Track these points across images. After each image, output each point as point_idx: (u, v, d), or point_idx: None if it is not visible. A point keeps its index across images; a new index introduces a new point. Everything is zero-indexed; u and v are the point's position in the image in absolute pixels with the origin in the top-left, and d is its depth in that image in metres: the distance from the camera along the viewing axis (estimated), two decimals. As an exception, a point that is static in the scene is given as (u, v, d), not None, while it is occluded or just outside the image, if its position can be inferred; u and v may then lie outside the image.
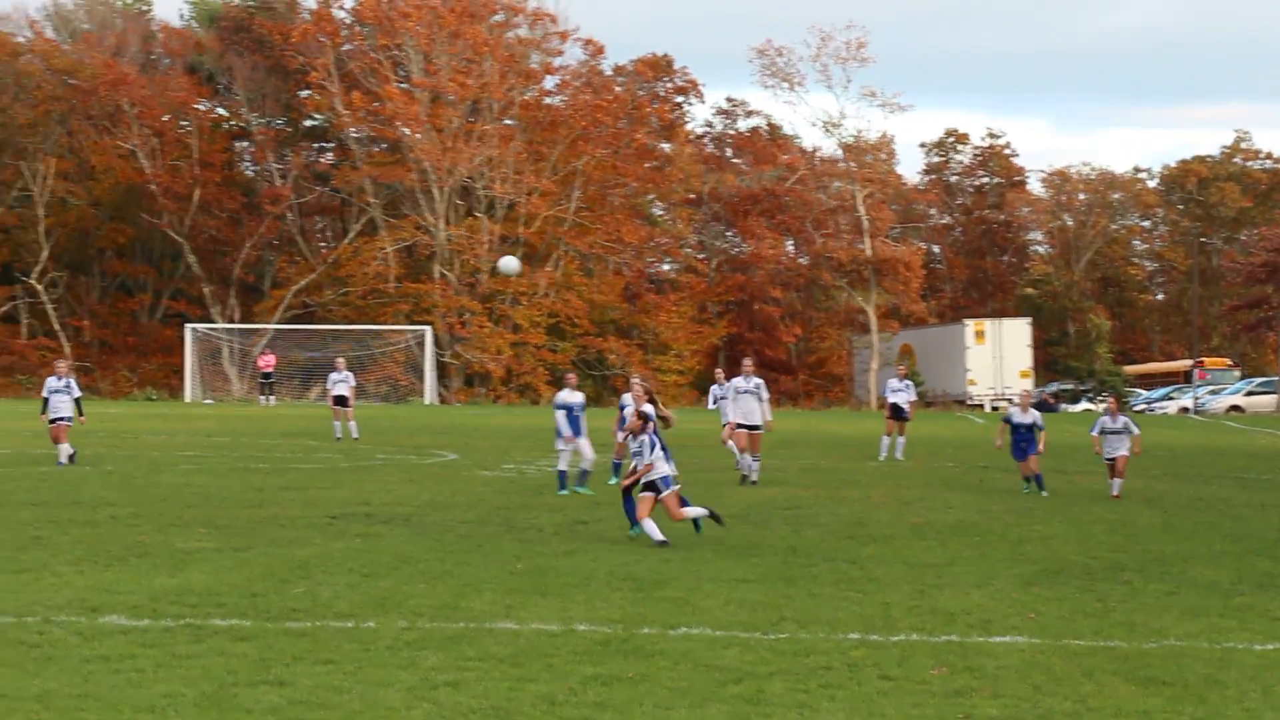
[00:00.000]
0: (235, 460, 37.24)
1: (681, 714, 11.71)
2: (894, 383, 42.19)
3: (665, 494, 21.71)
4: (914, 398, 42.28)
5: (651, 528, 21.44)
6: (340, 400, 46.16)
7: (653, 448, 21.87)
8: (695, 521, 22.10)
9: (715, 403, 37.11)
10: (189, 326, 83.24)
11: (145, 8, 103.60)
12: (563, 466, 28.92)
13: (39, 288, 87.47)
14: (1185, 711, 12.02)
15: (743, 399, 31.92)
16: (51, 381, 35.46)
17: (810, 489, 31.02)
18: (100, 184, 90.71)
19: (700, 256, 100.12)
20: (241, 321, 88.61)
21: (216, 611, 15.64)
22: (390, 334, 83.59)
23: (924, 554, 20.94)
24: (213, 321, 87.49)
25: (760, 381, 32.27)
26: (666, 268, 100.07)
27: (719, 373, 39.23)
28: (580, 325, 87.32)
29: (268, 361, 78.39)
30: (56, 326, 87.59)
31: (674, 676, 12.86)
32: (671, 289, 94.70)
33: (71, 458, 34.32)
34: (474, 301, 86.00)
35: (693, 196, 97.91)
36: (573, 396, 29.12)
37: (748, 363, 33.25)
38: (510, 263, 22.01)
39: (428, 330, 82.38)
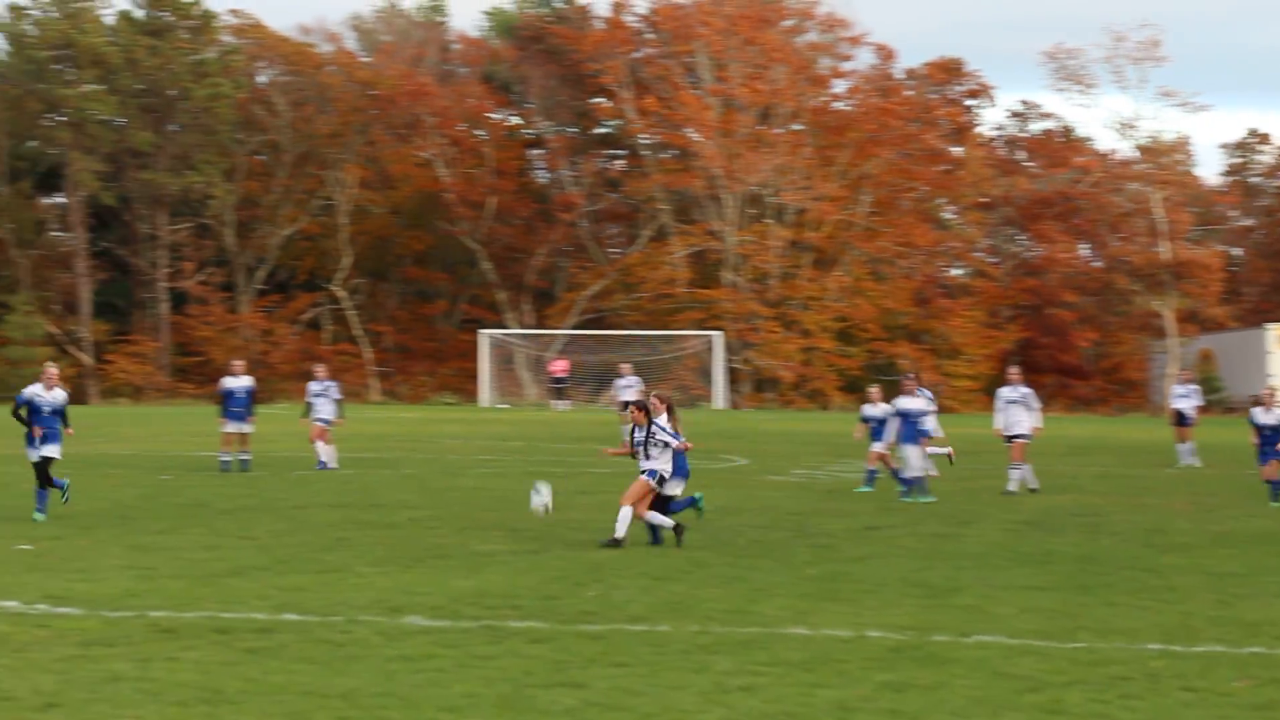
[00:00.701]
0: (529, 464, 37.79)
1: (977, 723, 11.63)
2: (1178, 389, 41.40)
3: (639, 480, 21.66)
4: (1200, 403, 41.34)
5: (624, 518, 21.46)
6: (627, 405, 46.64)
7: (657, 442, 21.68)
8: (654, 530, 21.81)
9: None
10: (483, 332, 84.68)
11: (442, 19, 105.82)
12: (909, 474, 28.63)
13: (341, 294, 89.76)
14: None
15: (1010, 409, 31.23)
16: (313, 385, 36.27)
17: (1105, 496, 30.47)
18: (399, 192, 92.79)
19: (992, 260, 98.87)
20: (534, 327, 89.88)
21: (513, 613, 15.90)
22: (681, 339, 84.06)
23: (1226, 563, 20.41)
24: (507, 327, 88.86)
25: (1029, 391, 31.48)
26: (957, 272, 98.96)
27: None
28: (870, 330, 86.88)
29: (560, 366, 79.37)
30: (357, 332, 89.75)
31: (968, 684, 12.75)
32: (963, 293, 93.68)
33: (325, 465, 35.04)
34: (764, 307, 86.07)
35: (984, 200, 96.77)
36: (912, 403, 28.95)
37: (1014, 371, 32.52)
38: (537, 501, 22.37)
39: (718, 335, 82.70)
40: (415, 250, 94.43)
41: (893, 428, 29.26)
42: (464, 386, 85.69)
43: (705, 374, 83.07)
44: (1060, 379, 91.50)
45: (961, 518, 25.70)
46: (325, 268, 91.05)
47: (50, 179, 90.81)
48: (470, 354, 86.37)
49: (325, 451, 35.41)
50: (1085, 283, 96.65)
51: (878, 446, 30.63)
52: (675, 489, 22.03)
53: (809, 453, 42.51)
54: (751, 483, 32.70)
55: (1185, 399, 40.38)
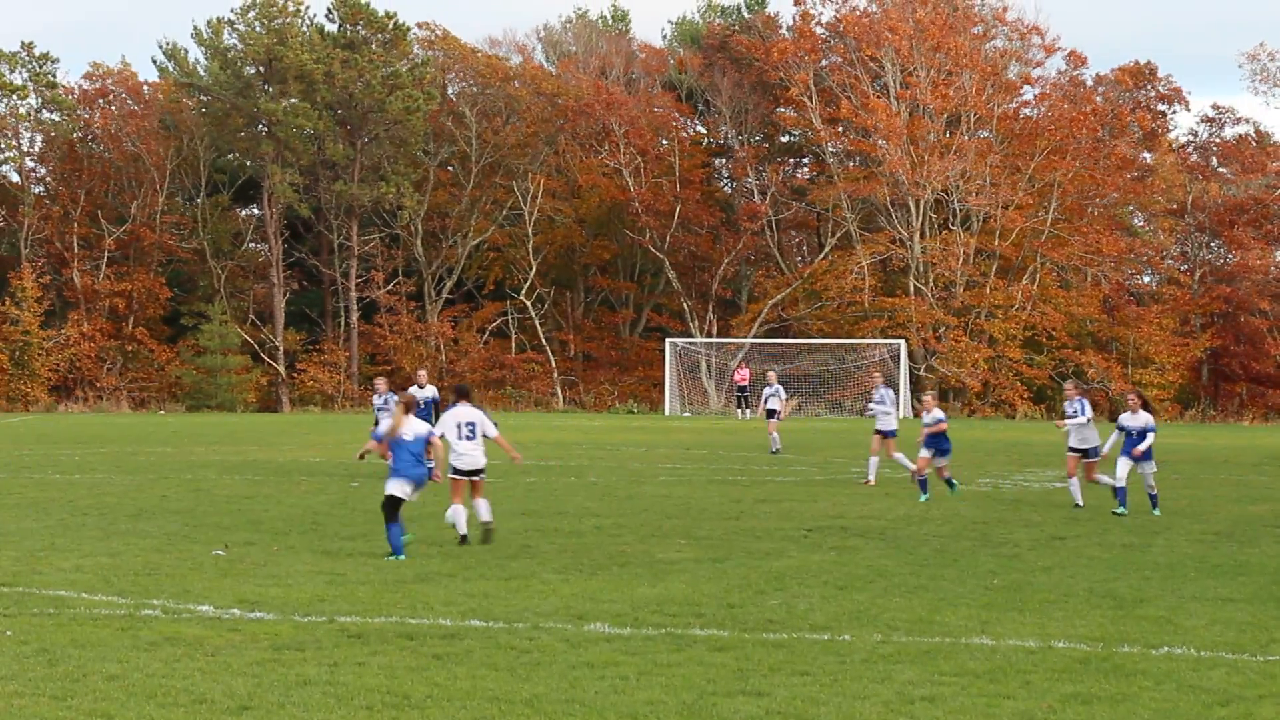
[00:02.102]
0: (713, 472, 37.85)
1: (1164, 736, 11.48)
2: None
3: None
4: None
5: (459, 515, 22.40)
6: (771, 413, 47.30)
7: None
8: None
9: (870, 407, 36.33)
10: (669, 341, 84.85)
11: (625, 28, 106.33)
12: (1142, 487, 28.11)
13: (527, 304, 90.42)
14: None
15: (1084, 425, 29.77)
16: (376, 400, 36.31)
17: (1301, 507, 29.86)
18: (585, 202, 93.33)
19: (1183, 268, 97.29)
20: (718, 336, 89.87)
21: (696, 621, 15.96)
22: (864, 348, 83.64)
23: None
24: (691, 336, 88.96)
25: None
26: (1147, 279, 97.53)
27: (877, 376, 37.95)
28: (1057, 338, 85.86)
29: (743, 375, 79.37)
30: (543, 341, 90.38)
31: (1157, 697, 12.59)
32: (1152, 301, 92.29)
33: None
34: (949, 315, 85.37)
35: (1175, 206, 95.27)
36: (1133, 420, 27.98)
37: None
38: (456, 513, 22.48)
39: (902, 344, 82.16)
40: (601, 259, 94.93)
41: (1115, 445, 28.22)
42: (648, 395, 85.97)
43: (889, 382, 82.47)
44: (1253, 388, 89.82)
45: (1150, 528, 25.34)
46: (512, 277, 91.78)
47: (246, 191, 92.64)
48: (655, 362, 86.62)
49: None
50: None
51: (925, 454, 30.78)
52: (396, 488, 21.40)
53: (994, 462, 42.17)
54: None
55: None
